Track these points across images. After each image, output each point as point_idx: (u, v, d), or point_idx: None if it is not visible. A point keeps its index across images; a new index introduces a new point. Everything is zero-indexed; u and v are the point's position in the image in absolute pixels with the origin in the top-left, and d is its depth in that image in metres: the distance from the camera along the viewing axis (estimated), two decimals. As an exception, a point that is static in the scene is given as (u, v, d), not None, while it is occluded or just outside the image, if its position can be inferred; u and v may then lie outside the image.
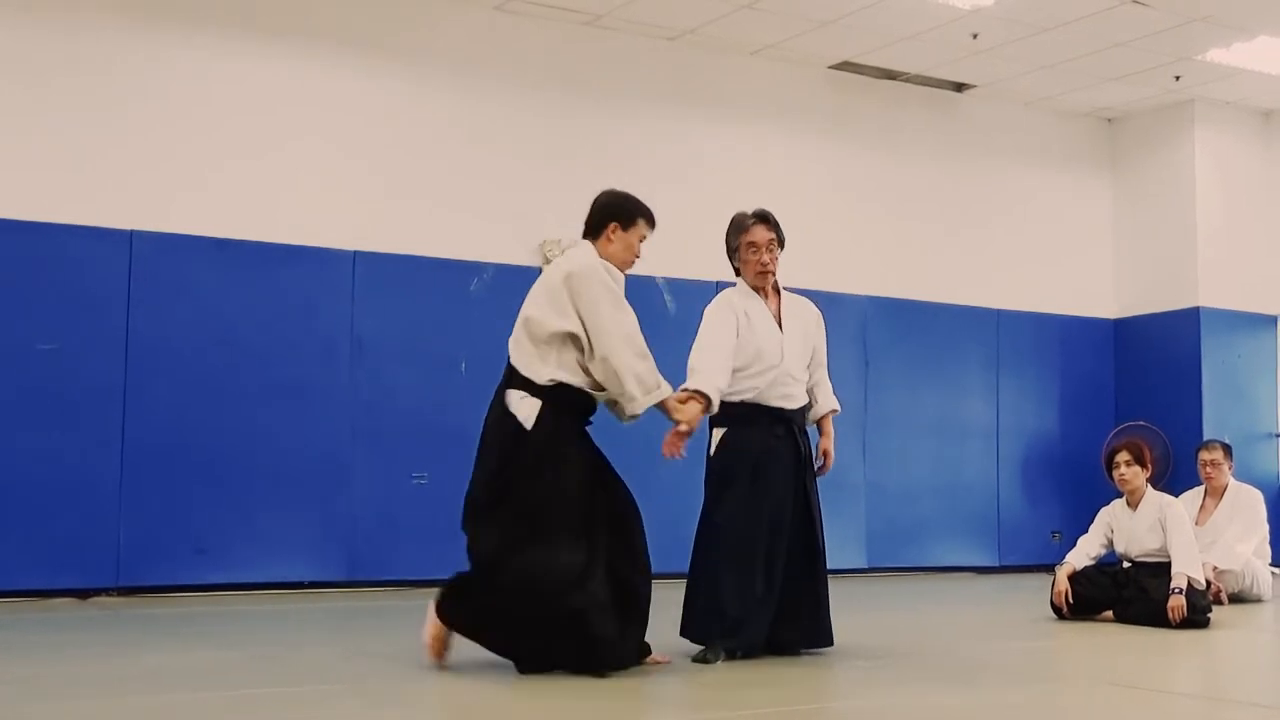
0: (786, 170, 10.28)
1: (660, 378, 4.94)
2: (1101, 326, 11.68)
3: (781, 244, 5.53)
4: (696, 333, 5.41)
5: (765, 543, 5.28)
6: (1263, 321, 11.44)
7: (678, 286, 9.47)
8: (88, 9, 8.19)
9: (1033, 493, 11.18)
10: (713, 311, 5.47)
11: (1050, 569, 8.11)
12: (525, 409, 4.83)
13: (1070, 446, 11.27)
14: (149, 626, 6.66)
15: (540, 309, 4.89)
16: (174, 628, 6.60)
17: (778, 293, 5.58)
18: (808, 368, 5.57)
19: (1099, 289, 11.72)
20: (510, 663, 4.83)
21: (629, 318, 4.89)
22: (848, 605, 6.27)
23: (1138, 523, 7.04)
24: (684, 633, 5.32)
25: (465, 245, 9.04)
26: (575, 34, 9.62)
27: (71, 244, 7.96)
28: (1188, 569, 6.72)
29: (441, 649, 4.92)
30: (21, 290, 7.82)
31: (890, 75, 10.74)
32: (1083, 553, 7.20)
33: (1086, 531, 7.32)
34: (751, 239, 5.48)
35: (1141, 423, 10.75)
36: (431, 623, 4.91)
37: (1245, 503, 8.43)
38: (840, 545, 8.65)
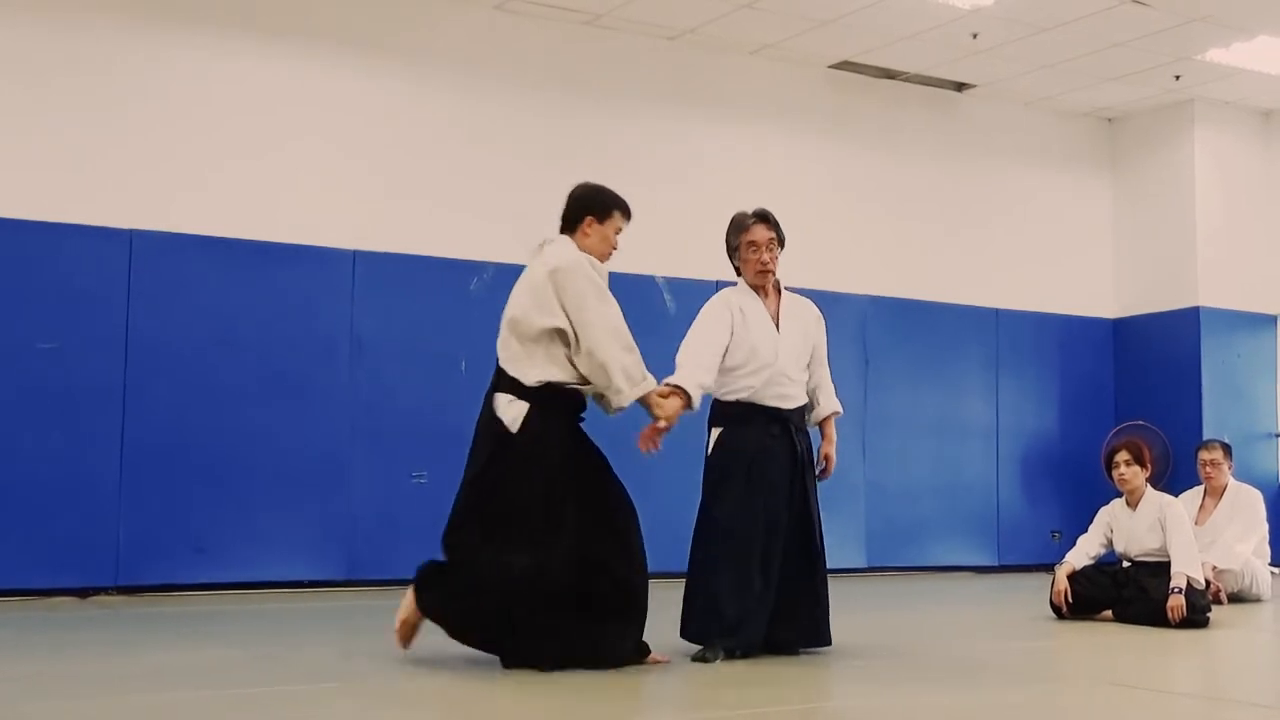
0: (786, 170, 10.28)
1: (646, 371, 4.93)
2: (1101, 326, 11.68)
3: (782, 243, 5.53)
4: (694, 331, 5.42)
5: (762, 542, 5.27)
6: (1263, 321, 11.44)
7: (677, 286, 9.47)
8: (88, 9, 8.19)
9: (1032, 492, 11.18)
10: (707, 308, 5.47)
11: (1050, 569, 8.11)
12: (512, 412, 4.84)
13: (1070, 446, 11.26)
14: (149, 625, 6.66)
15: (524, 309, 4.89)
16: (174, 627, 6.61)
17: (778, 292, 5.57)
18: (807, 367, 5.55)
19: (1099, 289, 11.72)
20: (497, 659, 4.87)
21: (614, 310, 4.88)
22: (847, 605, 6.26)
23: (1137, 522, 7.04)
24: (683, 633, 5.31)
25: (465, 245, 9.04)
26: (575, 34, 9.62)
27: (71, 243, 7.96)
28: (1187, 569, 6.72)
29: (410, 635, 4.97)
30: (21, 290, 7.83)
31: (890, 75, 10.73)
32: (1082, 552, 7.19)
33: (1086, 531, 7.32)
34: (751, 238, 5.48)
35: (1141, 422, 10.76)
36: (408, 609, 4.93)
37: (1245, 502, 8.43)
38: (840, 545, 8.67)
